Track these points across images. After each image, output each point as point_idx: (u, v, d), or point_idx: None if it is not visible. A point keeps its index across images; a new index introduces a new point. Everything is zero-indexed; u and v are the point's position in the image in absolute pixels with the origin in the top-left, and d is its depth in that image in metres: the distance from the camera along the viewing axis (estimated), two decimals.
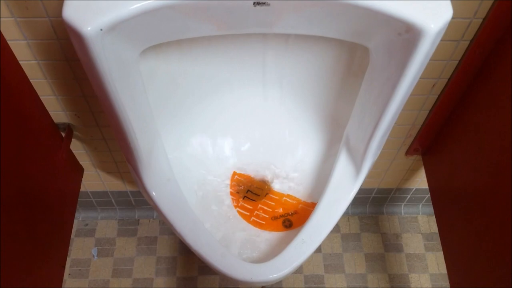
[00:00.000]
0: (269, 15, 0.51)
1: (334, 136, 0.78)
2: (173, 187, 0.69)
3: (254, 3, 0.48)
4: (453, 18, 0.49)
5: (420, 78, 0.58)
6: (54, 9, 0.63)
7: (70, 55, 0.72)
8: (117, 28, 0.47)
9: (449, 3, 0.49)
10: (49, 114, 0.84)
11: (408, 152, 1.00)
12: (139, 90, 0.60)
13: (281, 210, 0.77)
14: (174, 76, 0.69)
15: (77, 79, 0.77)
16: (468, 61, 0.74)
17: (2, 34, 0.67)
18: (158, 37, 0.54)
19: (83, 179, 1.03)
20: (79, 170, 1.00)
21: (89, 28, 0.45)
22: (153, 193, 0.67)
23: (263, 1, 0.48)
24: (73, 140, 0.91)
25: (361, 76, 0.64)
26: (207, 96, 0.74)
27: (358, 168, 0.69)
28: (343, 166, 0.71)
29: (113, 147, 0.96)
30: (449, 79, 0.81)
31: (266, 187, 0.79)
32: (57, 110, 0.84)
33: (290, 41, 0.66)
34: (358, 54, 0.66)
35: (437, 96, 0.85)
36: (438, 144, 0.94)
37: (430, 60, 0.54)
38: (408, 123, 0.91)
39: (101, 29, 0.45)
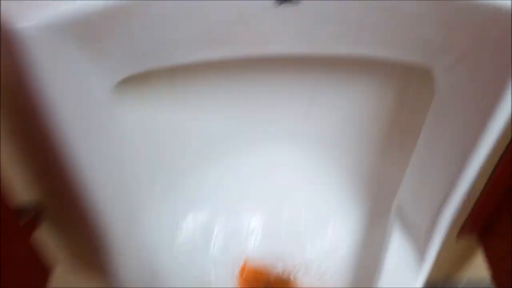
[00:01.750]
0: (298, 21, 0.35)
1: (378, 208, 0.58)
2: None
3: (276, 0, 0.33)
4: None
5: None
6: None
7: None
8: (74, 32, 0.30)
9: None
10: None
11: (461, 233, 0.80)
12: (115, 145, 0.43)
13: None
14: (164, 131, 0.52)
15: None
16: None
17: None
18: (135, 59, 0.37)
19: (53, 279, 0.82)
20: (46, 268, 0.79)
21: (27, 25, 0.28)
22: None
23: None
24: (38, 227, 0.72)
25: (415, 119, 0.47)
26: (208, 157, 0.57)
27: (420, 252, 0.49)
28: (396, 250, 0.51)
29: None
30: None
31: (289, 283, 0.58)
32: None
33: (316, 76, 0.50)
34: (411, 88, 0.49)
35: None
36: (503, 220, 0.75)
37: None
38: None
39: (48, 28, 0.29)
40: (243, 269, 0.59)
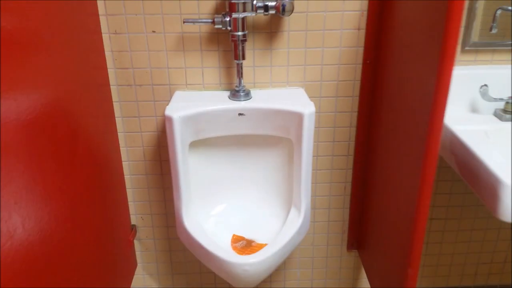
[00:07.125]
0: (244, 121, 1.24)
1: (288, 206, 1.36)
2: (201, 227, 1.26)
3: (238, 114, 1.23)
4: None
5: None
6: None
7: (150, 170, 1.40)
8: (186, 119, 1.19)
9: (312, 104, 1.21)
10: (129, 216, 1.44)
11: (348, 247, 1.50)
12: (188, 169, 1.27)
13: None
14: (206, 168, 1.36)
15: (149, 188, 1.42)
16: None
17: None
18: (197, 133, 1.25)
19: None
20: (134, 265, 1.50)
21: (175, 115, 1.17)
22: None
23: (242, 113, 1.23)
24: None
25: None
26: (221, 182, 1.39)
27: (299, 209, 1.27)
28: (292, 213, 1.28)
29: (159, 246, 1.49)
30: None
31: (252, 241, 1.33)
32: (131, 213, 1.44)
33: (254, 147, 1.36)
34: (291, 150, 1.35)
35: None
36: (369, 236, 1.40)
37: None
38: (339, 219, 1.47)
39: (179, 117, 1.18)
40: (233, 236, 1.34)
